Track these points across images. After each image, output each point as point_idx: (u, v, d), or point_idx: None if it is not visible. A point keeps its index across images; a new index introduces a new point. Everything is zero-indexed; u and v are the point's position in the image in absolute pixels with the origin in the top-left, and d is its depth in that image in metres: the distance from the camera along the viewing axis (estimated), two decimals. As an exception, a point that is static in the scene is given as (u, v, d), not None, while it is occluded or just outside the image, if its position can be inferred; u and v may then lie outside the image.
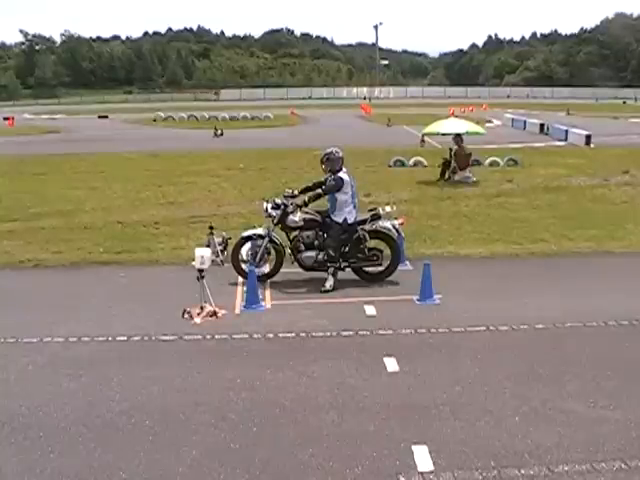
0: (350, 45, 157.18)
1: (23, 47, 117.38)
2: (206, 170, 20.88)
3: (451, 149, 18.62)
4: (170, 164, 22.49)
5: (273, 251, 9.21)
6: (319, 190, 9.10)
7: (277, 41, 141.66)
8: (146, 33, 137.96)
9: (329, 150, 9.14)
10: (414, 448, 4.94)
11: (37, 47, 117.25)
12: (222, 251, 10.15)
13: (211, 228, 10.37)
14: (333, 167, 9.04)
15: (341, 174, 8.99)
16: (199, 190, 17.24)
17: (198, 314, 7.81)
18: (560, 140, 30.55)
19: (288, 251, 9.23)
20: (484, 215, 13.71)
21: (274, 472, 4.72)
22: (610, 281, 9.30)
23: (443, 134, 19.46)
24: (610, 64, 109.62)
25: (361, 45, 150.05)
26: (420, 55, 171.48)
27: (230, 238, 10.21)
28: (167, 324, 7.61)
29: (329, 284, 8.90)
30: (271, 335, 7.29)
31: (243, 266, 9.14)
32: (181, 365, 6.54)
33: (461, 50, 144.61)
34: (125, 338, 7.24)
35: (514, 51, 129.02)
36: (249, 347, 7.01)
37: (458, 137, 18.36)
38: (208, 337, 7.26)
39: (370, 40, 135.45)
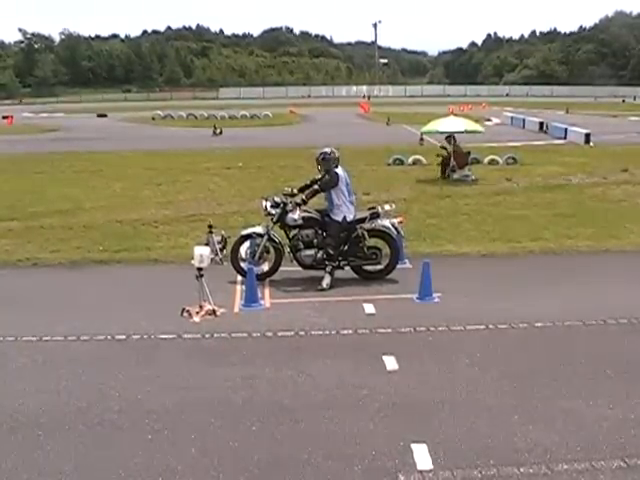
0: (349, 43, 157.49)
1: (22, 46, 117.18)
2: (205, 169, 20.87)
3: (445, 148, 18.65)
4: (169, 163, 22.47)
5: (272, 250, 9.20)
6: (316, 186, 9.09)
7: (276, 39, 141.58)
8: (145, 32, 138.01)
9: (324, 150, 9.15)
10: (413, 446, 4.94)
11: (36, 46, 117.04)
12: (221, 250, 10.14)
13: (210, 227, 10.36)
14: (329, 166, 9.05)
15: (336, 170, 9.01)
16: (198, 189, 17.23)
17: (197, 313, 7.80)
18: (559, 138, 30.55)
19: (287, 249, 9.23)
20: (483, 213, 13.70)
21: (273, 471, 4.71)
22: (609, 279, 9.29)
23: (442, 133, 19.44)
24: (609, 62, 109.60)
25: (360, 43, 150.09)
26: (419, 53, 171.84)
27: (229, 237, 10.20)
28: (166, 323, 7.60)
29: (325, 282, 8.89)
30: (270, 334, 7.29)
31: (242, 264, 9.13)
32: (180, 364, 6.54)
33: (460, 48, 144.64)
34: (124, 337, 7.23)
35: (513, 49, 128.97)
36: (248, 346, 7.00)
37: (450, 137, 18.41)
38: (207, 336, 7.26)
39: (369, 38, 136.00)
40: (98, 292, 8.97)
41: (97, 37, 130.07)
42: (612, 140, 29.47)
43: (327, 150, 9.13)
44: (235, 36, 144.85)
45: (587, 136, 28.41)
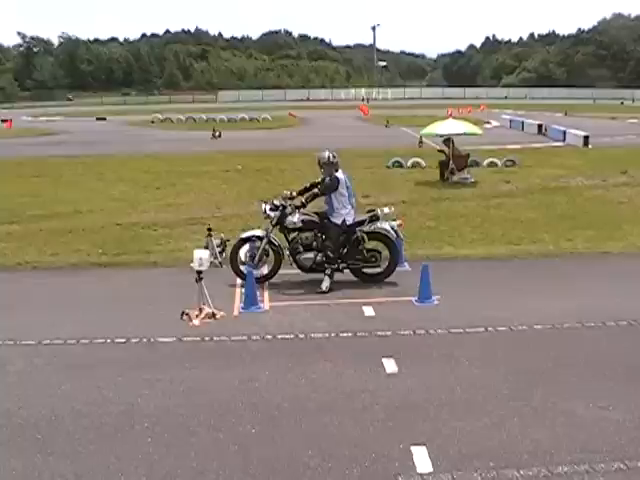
0: (348, 46, 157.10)
1: (21, 49, 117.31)
2: (204, 172, 20.88)
3: (443, 151, 18.67)
4: (168, 166, 22.48)
5: (271, 252, 9.21)
6: (316, 190, 9.09)
7: (275, 43, 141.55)
8: (144, 35, 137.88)
9: (328, 154, 9.10)
10: (413, 449, 4.94)
11: (35, 49, 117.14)
12: (220, 253, 10.14)
13: (209, 230, 10.36)
14: (330, 171, 9.03)
15: (337, 173, 9.01)
16: (197, 192, 17.25)
17: (197, 316, 7.80)
18: (558, 141, 30.60)
19: (286, 252, 9.23)
20: (482, 216, 13.72)
21: (273, 473, 4.71)
22: (608, 281, 9.31)
23: (441, 135, 19.48)
24: (608, 65, 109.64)
25: (359, 46, 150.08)
26: (418, 56, 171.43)
27: (228, 240, 10.20)
28: (166, 326, 7.60)
29: (325, 285, 8.90)
30: (270, 336, 7.29)
31: (242, 268, 9.13)
32: (180, 367, 6.54)
33: (459, 51, 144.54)
34: (124, 340, 7.23)
35: (512, 52, 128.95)
36: (248, 349, 7.01)
37: (448, 141, 18.47)
38: (207, 339, 7.26)
39: (368, 41, 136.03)
40: (97, 295, 8.97)
41: (96, 40, 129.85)
42: (611, 142, 29.53)
43: (330, 154, 9.09)
44: (234, 39, 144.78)
45: (586, 138, 28.46)
